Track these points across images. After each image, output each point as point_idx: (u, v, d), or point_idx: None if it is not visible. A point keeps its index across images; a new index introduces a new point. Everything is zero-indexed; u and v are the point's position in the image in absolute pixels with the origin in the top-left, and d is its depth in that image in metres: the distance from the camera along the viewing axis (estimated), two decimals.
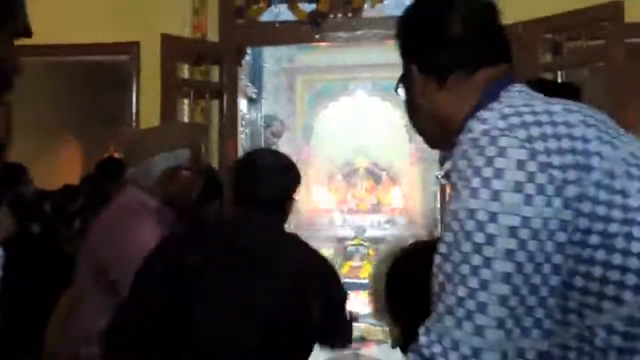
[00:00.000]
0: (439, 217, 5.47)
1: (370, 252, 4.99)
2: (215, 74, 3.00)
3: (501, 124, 0.71)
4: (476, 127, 0.73)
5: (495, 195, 0.66)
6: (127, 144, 1.74)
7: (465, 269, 0.66)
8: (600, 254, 0.66)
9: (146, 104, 2.95)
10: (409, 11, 0.92)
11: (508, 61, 0.86)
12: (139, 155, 1.59)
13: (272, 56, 5.76)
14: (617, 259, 0.66)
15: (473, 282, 0.66)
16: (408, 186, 5.93)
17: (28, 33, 0.81)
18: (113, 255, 1.46)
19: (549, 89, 0.92)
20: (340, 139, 5.88)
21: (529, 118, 0.71)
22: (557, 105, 0.74)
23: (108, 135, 3.65)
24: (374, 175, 6.00)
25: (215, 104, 3.03)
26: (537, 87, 0.90)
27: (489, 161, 0.68)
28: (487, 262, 0.65)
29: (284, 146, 5.97)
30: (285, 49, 5.68)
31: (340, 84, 5.85)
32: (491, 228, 0.65)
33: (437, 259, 0.71)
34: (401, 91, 0.92)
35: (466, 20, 0.85)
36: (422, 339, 0.68)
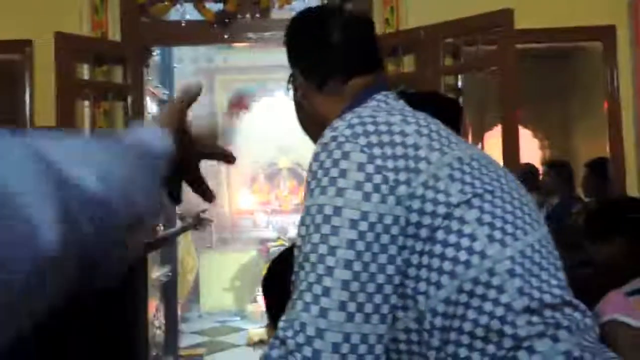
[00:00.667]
0: None
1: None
2: (116, 75, 2.86)
3: (347, 131, 0.80)
4: (327, 133, 0.82)
5: (340, 192, 0.75)
6: None
7: (313, 257, 0.73)
8: (427, 246, 0.75)
9: (41, 106, 2.77)
10: (295, 19, 1.03)
11: (380, 70, 0.98)
12: None
13: (189, 56, 5.62)
14: (438, 249, 0.75)
15: (320, 269, 0.73)
16: None
17: None
18: None
19: (416, 101, 1.00)
20: (263, 140, 5.83)
21: (370, 128, 0.81)
22: (397, 117, 0.84)
23: None
24: (297, 175, 6.00)
25: (120, 105, 2.90)
26: (405, 98, 0.99)
27: (336, 163, 0.77)
28: (332, 250, 0.73)
29: None
30: (203, 49, 5.56)
31: (259, 84, 5.80)
32: (336, 220, 0.74)
33: (295, 251, 0.77)
34: (290, 92, 1.01)
35: (344, 30, 0.95)
36: (279, 324, 0.74)
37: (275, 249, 4.98)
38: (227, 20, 2.83)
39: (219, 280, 5.23)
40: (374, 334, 0.73)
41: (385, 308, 0.73)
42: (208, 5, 2.87)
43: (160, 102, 3.49)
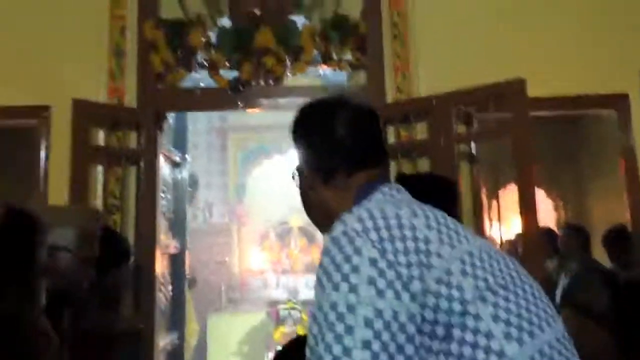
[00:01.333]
0: None
1: (304, 316, 4.86)
2: (131, 140, 2.89)
3: (357, 226, 0.80)
4: (337, 227, 0.82)
5: (353, 289, 0.74)
6: None
7: (328, 358, 0.72)
8: (444, 345, 0.74)
9: (56, 171, 2.79)
10: (302, 111, 1.02)
11: (385, 164, 1.00)
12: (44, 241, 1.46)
13: (204, 115, 5.71)
14: (455, 348, 0.73)
15: None
16: None
17: None
18: None
19: (413, 183, 1.05)
20: (274, 198, 5.83)
21: (380, 222, 0.80)
22: (405, 210, 0.84)
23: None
24: (308, 234, 5.95)
25: (133, 169, 2.91)
26: (404, 182, 1.02)
27: (347, 258, 0.76)
28: (347, 351, 0.71)
29: (218, 206, 5.84)
30: None
31: (272, 144, 5.86)
32: (350, 319, 0.72)
33: (307, 351, 0.76)
34: (296, 179, 1.02)
35: (350, 126, 0.96)
36: None
37: (285, 311, 4.87)
38: (241, 88, 2.88)
39: (228, 344, 5.09)
40: None
41: None
42: (223, 72, 2.93)
43: (174, 165, 3.51)
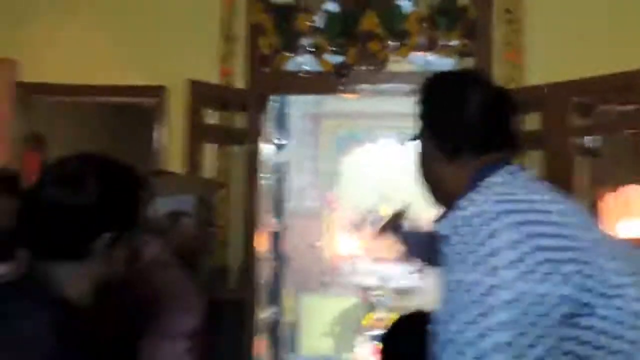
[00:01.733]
0: None
1: (395, 304, 4.84)
2: (238, 120, 3.02)
3: (493, 208, 0.79)
4: (467, 206, 0.81)
5: (493, 271, 0.72)
6: None
7: (462, 339, 0.71)
8: (583, 328, 0.73)
9: (171, 148, 2.98)
10: (432, 82, 1.00)
11: (512, 147, 0.95)
12: (148, 198, 1.54)
13: (298, 100, 5.83)
14: (596, 325, 0.74)
15: (470, 353, 0.70)
16: None
17: None
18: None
19: None
20: (365, 185, 5.84)
21: (514, 206, 0.79)
22: (536, 195, 0.84)
23: None
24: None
25: (238, 150, 3.05)
26: None
27: (484, 240, 0.75)
28: (483, 335, 0.70)
29: (309, 190, 5.95)
30: None
31: (365, 131, 5.86)
32: (488, 301, 0.71)
33: (435, 327, 0.76)
34: (415, 145, 1.02)
35: (482, 106, 0.93)
36: None
37: (376, 297, 4.88)
38: (344, 72, 2.90)
39: (319, 324, 5.19)
40: None
41: None
42: (327, 56, 2.97)
43: (276, 147, 3.62)
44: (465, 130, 0.93)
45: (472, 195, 0.83)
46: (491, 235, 0.75)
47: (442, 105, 0.97)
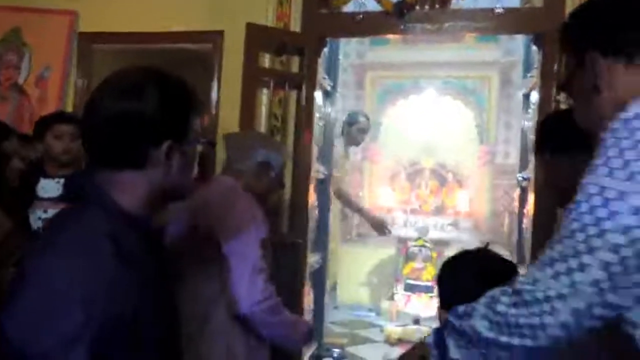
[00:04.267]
0: (507, 222, 5.28)
1: (433, 254, 4.86)
2: (293, 64, 2.98)
3: None
4: (633, 108, 0.77)
5: (631, 176, 0.71)
6: (231, 135, 1.96)
7: (580, 236, 0.74)
8: None
9: (226, 93, 2.98)
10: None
11: None
12: (243, 144, 1.83)
13: (341, 51, 5.71)
14: None
15: (582, 247, 0.73)
16: (474, 189, 5.76)
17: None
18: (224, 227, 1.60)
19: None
20: (407, 138, 5.78)
21: None
22: None
23: None
24: (439, 176, 5.86)
25: (292, 94, 3.02)
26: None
27: (636, 144, 0.73)
28: (602, 233, 0.72)
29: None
30: (355, 44, 5.63)
31: (410, 82, 5.74)
32: (615, 205, 0.71)
33: (567, 219, 0.77)
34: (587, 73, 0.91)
35: None
36: (519, 279, 0.81)
37: (415, 248, 4.90)
38: (405, 11, 2.81)
39: (357, 273, 5.28)
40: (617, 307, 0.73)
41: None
42: None
43: (325, 94, 3.58)
44: None
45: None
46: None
47: (610, 10, 0.90)
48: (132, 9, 3.08)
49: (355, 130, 4.34)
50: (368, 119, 4.47)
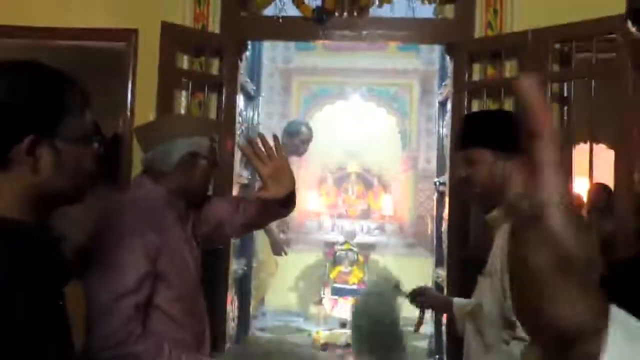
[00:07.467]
0: (431, 225, 5.44)
1: (360, 258, 4.92)
2: (213, 66, 2.92)
3: None
4: None
5: None
6: (141, 129, 1.65)
7: None
8: None
9: (141, 94, 2.86)
10: None
11: None
12: (157, 140, 1.55)
13: (268, 56, 5.68)
14: None
15: None
16: (399, 194, 5.89)
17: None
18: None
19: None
20: (334, 143, 5.82)
21: None
22: None
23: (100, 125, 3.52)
24: (365, 180, 5.95)
25: (213, 97, 2.95)
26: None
27: None
28: None
29: None
30: (282, 49, 5.62)
31: (336, 88, 5.80)
32: None
33: None
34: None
35: None
36: None
37: (341, 252, 4.94)
38: (324, 17, 2.83)
39: (285, 279, 5.24)
40: None
41: None
42: (307, 1, 2.88)
43: (248, 97, 3.53)
44: None
45: None
46: None
47: None
48: (41, 1, 2.88)
49: (299, 141, 4.32)
50: (310, 128, 4.45)
